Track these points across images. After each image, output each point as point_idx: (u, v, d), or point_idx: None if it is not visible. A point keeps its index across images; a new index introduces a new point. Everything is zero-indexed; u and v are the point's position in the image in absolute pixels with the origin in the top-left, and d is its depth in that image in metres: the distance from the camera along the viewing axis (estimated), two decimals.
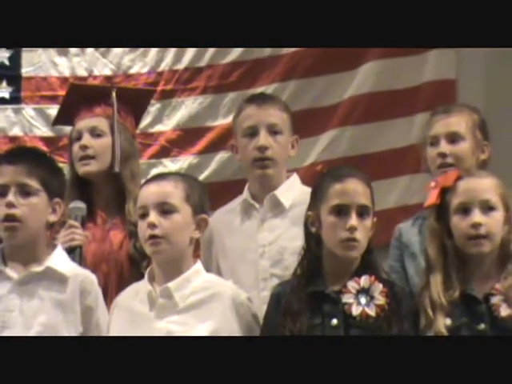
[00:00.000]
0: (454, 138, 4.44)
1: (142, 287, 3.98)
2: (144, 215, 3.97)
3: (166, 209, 3.95)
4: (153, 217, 3.91)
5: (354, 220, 3.74)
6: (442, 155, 4.32)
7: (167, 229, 3.93)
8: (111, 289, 4.39)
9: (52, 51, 6.09)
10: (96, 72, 6.22)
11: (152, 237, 3.89)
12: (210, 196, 4.18)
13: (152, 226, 3.90)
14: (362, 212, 3.78)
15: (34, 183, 3.92)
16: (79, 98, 4.90)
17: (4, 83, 6.21)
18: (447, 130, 4.49)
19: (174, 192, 4.03)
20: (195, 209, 4.00)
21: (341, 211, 3.77)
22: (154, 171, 5.66)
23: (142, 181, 4.64)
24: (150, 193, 4.06)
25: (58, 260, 4.03)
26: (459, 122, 4.50)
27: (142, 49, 6.21)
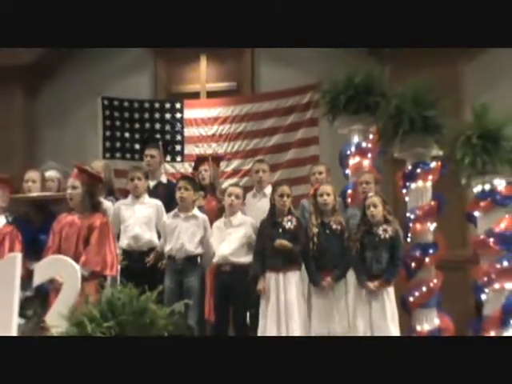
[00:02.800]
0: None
1: (222, 219, 5.62)
2: (230, 196, 5.54)
3: (238, 196, 5.54)
4: (234, 197, 5.51)
5: (285, 198, 5.33)
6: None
7: (236, 202, 5.53)
8: (212, 222, 5.62)
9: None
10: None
11: (230, 204, 5.51)
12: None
13: (232, 200, 5.50)
14: (288, 195, 5.35)
15: (189, 186, 5.48)
16: (200, 161, 6.50)
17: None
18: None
19: (241, 192, 5.67)
20: (243, 198, 5.69)
21: (281, 195, 5.34)
22: (225, 184, 6.99)
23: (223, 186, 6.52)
24: (234, 190, 5.62)
25: (196, 211, 5.53)
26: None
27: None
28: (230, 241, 5.47)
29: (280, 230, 5.29)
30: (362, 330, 5.11)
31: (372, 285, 5.12)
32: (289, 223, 5.32)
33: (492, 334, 5.47)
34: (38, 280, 4.34)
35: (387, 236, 5.21)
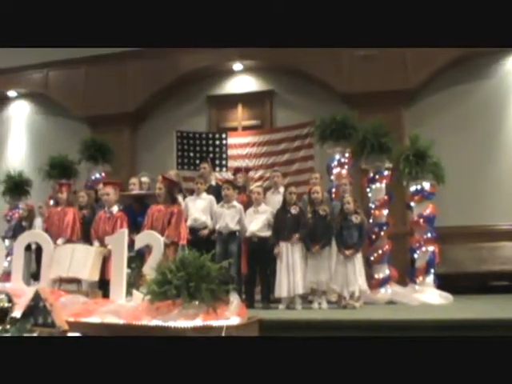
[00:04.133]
0: None
1: (252, 208, 5.34)
2: (253, 193, 5.35)
3: (259, 193, 5.30)
4: (256, 194, 5.29)
5: (293, 194, 5.11)
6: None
7: (258, 197, 5.30)
8: (244, 211, 5.37)
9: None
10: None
11: (255, 198, 5.28)
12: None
13: (255, 196, 5.28)
14: (295, 193, 5.11)
15: (230, 187, 5.29)
16: (237, 171, 6.25)
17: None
18: None
19: (261, 190, 5.40)
20: (263, 194, 5.41)
21: (290, 193, 5.14)
22: (253, 186, 6.35)
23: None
24: (256, 189, 5.43)
25: (235, 202, 5.24)
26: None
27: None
28: (257, 222, 5.33)
29: (288, 215, 5.15)
30: (340, 281, 4.96)
31: (347, 252, 4.97)
32: (294, 210, 5.17)
33: (421, 278, 5.42)
34: (137, 245, 4.24)
35: (357, 222, 5.06)
